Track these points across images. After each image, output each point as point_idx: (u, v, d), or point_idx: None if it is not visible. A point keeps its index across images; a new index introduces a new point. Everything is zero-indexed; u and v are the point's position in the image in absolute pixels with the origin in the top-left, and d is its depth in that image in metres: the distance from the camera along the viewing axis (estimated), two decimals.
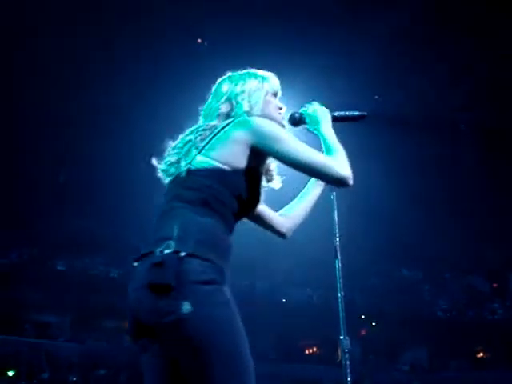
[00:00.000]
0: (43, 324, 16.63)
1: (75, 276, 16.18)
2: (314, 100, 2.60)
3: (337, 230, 2.63)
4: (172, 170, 2.24)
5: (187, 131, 2.32)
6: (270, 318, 16.02)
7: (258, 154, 2.20)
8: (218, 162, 2.18)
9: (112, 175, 12.23)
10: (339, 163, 2.23)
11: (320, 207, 2.70)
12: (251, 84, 2.39)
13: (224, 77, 2.44)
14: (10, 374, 13.69)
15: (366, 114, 2.58)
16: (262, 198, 2.36)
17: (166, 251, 2.00)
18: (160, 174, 2.30)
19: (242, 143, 2.19)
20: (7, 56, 8.19)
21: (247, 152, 2.20)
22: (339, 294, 2.55)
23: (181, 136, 2.33)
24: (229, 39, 7.56)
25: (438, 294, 20.22)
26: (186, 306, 1.93)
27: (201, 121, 2.35)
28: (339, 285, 2.57)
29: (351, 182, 2.21)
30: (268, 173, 2.40)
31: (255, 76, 2.43)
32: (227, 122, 2.25)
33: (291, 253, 10.51)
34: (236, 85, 2.39)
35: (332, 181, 2.25)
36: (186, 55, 8.04)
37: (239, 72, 2.43)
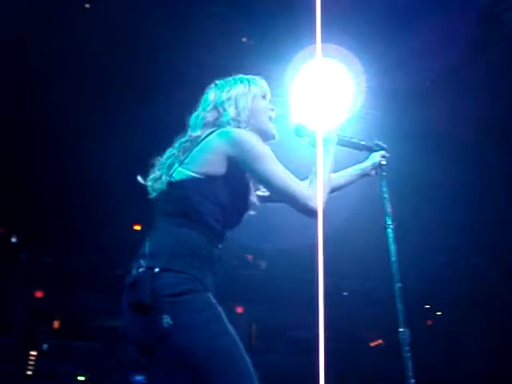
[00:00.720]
0: (110, 328, 16.98)
1: None
2: None
3: (389, 215, 2.59)
4: (156, 185, 2.26)
5: (174, 144, 2.33)
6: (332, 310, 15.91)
7: (237, 165, 2.20)
8: (196, 172, 2.20)
9: None
10: (310, 194, 2.22)
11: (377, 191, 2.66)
12: (237, 89, 2.38)
13: (211, 85, 2.42)
14: (81, 378, 14.03)
15: (372, 146, 2.54)
16: (256, 201, 2.34)
17: (140, 270, 2.03)
18: (148, 191, 2.33)
19: (220, 153, 2.21)
20: None
21: (226, 162, 2.20)
22: (397, 285, 2.51)
23: (168, 150, 2.34)
24: (273, 37, 7.54)
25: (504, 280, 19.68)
26: (166, 320, 1.96)
27: (188, 132, 2.34)
28: (396, 275, 2.53)
29: (316, 213, 2.23)
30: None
31: (241, 80, 2.42)
32: (209, 131, 2.24)
33: (346, 245, 10.38)
34: (222, 91, 2.39)
35: (298, 209, 2.29)
36: (231, 54, 8.04)
37: (226, 79, 2.41)
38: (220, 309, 2.04)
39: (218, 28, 7.74)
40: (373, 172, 2.77)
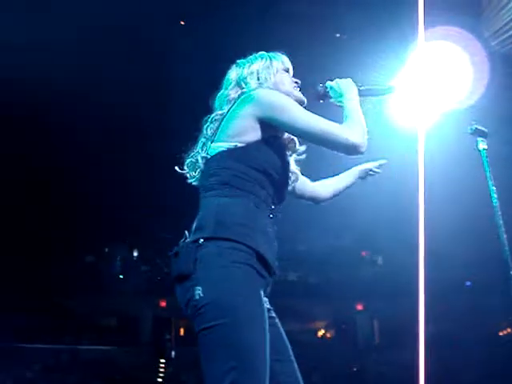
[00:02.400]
0: None
1: None
2: None
3: (495, 202, 2.46)
4: (194, 169, 2.21)
5: (202, 128, 2.29)
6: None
7: (270, 125, 2.12)
8: (230, 141, 2.12)
9: None
10: (351, 130, 2.11)
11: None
12: (258, 64, 2.30)
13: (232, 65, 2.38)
14: None
15: (393, 87, 2.37)
16: (296, 167, 2.28)
17: (185, 241, 2.01)
18: (190, 180, 2.29)
19: (249, 117, 2.11)
20: None
21: (257, 125, 2.12)
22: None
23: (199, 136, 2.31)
24: (365, 33, 7.42)
25: None
26: (198, 292, 1.90)
27: (214, 112, 2.29)
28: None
29: (363, 149, 2.11)
30: (291, 142, 2.30)
31: (261, 56, 2.34)
32: (234, 101, 2.19)
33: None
34: (243, 68, 2.31)
35: (341, 147, 2.13)
36: (326, 49, 8.00)
37: (247, 57, 2.35)
38: (260, 294, 1.92)
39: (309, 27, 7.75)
40: (365, 174, 2.68)
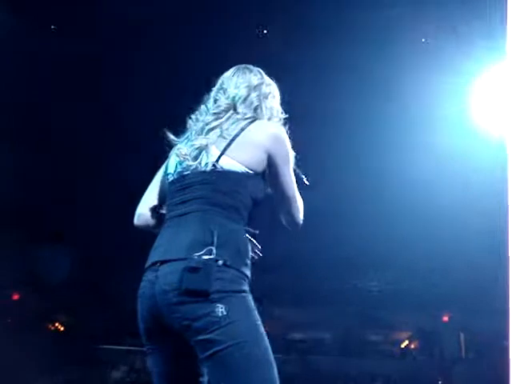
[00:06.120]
0: (316, 340, 17.17)
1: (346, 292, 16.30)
2: None
3: None
4: (191, 158, 2.14)
5: (208, 111, 2.22)
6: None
7: (268, 165, 2.15)
8: (244, 166, 2.11)
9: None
10: (301, 208, 2.25)
11: None
12: (271, 89, 2.31)
13: (245, 67, 2.33)
14: None
15: (307, 183, 2.37)
16: None
17: (205, 257, 1.98)
18: (174, 152, 2.23)
19: (261, 149, 2.14)
20: None
21: (266, 161, 2.13)
22: None
23: (201, 116, 2.24)
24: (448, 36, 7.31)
25: None
26: (221, 309, 1.95)
27: (222, 105, 2.22)
28: None
29: (299, 228, 2.25)
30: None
31: (271, 81, 2.34)
32: (248, 120, 2.15)
33: None
34: (261, 86, 2.29)
35: (292, 221, 2.25)
36: (413, 54, 7.93)
37: (254, 68, 2.33)
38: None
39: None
40: None
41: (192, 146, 2.16)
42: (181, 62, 9.42)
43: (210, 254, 1.98)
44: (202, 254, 1.98)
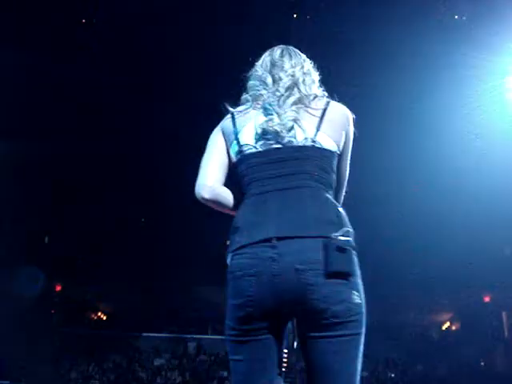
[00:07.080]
0: None
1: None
2: None
3: None
4: (286, 130, 1.99)
5: (273, 85, 2.08)
6: None
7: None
8: (336, 144, 2.03)
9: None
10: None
11: None
12: (311, 65, 2.25)
13: (289, 47, 2.25)
14: None
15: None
16: None
17: (344, 238, 1.89)
18: (245, 122, 2.05)
19: (344, 129, 2.05)
20: None
21: (344, 138, 2.07)
22: None
23: (266, 90, 2.09)
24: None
25: None
26: (357, 296, 1.87)
27: (286, 82, 2.11)
28: None
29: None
30: None
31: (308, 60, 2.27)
32: (325, 100, 2.07)
33: None
34: (314, 70, 2.23)
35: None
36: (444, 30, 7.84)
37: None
38: None
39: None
40: None
41: (285, 117, 2.01)
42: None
43: (348, 236, 1.88)
44: (341, 235, 1.86)
